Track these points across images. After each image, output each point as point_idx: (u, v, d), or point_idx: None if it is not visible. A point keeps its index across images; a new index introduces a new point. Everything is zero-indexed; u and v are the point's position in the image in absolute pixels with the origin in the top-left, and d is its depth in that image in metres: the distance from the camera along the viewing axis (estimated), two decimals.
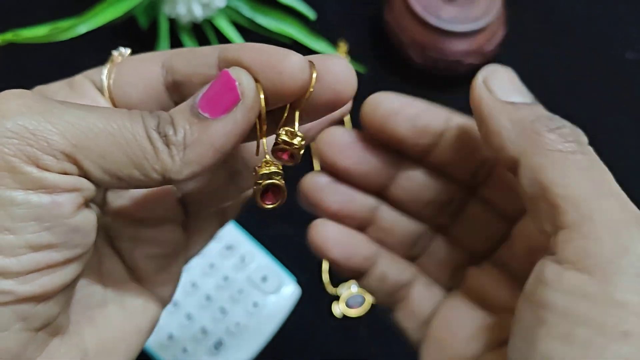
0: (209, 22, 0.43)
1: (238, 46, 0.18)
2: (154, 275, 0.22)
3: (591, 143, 0.46)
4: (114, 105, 0.19)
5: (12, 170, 0.16)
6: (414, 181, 0.23)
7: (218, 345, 0.34)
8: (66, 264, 0.17)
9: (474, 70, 0.42)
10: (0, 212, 0.16)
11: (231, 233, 0.37)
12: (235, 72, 0.16)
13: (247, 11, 0.43)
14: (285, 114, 0.18)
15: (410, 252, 0.24)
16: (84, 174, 0.16)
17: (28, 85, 0.47)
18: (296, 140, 0.18)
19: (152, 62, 0.19)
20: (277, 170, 0.19)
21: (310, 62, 0.17)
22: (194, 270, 0.35)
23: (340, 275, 0.37)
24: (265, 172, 0.19)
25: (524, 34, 0.46)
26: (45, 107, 0.16)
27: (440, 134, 0.23)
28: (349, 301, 0.35)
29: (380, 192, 0.23)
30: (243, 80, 0.16)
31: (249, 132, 0.17)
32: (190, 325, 0.34)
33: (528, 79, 0.47)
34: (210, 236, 0.24)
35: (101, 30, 0.39)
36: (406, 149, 0.22)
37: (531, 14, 0.47)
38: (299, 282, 0.36)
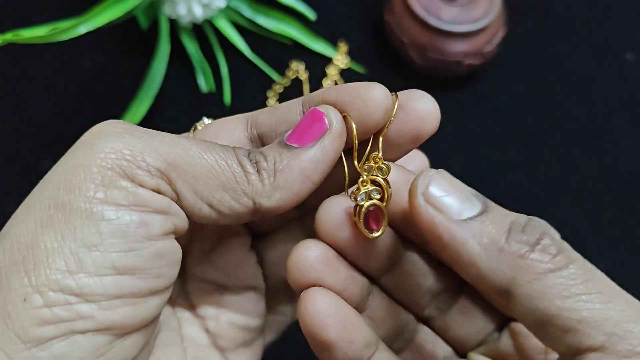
0: (209, 22, 0.43)
1: (321, 91, 0.18)
2: (236, 347, 0.21)
3: (592, 142, 0.46)
4: None
5: (108, 183, 0.16)
6: (414, 266, 0.20)
7: None
8: (149, 295, 0.16)
9: (474, 70, 0.42)
10: (90, 226, 0.15)
11: None
12: (323, 107, 0.17)
13: (248, 12, 0.43)
14: (370, 144, 0.18)
15: (394, 344, 0.21)
16: (177, 196, 0.17)
17: (28, 86, 0.47)
18: (384, 166, 0.18)
19: (237, 121, 0.19)
20: (377, 189, 0.18)
21: (393, 93, 0.18)
22: None
23: None
24: (365, 190, 0.18)
25: (524, 34, 0.46)
26: (142, 131, 0.17)
27: None
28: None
29: (374, 275, 0.20)
30: (330, 111, 0.17)
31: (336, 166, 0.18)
32: None
33: (528, 80, 0.47)
34: (286, 319, 0.23)
35: (101, 30, 0.39)
36: (409, 234, 0.20)
37: (531, 14, 0.47)
38: None
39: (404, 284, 0.20)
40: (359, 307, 0.19)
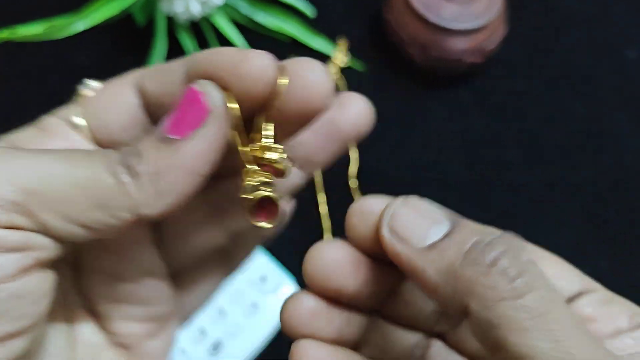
0: (206, 20, 0.42)
1: (203, 55, 0.15)
2: (140, 341, 0.19)
3: (592, 141, 0.46)
4: (96, 140, 0.18)
5: None
6: (412, 293, 0.19)
7: (217, 346, 0.33)
8: (10, 339, 0.14)
9: (474, 68, 0.42)
10: None
11: None
12: (201, 85, 0.15)
13: (246, 9, 0.43)
14: (257, 126, 0.16)
15: None
16: (42, 227, 0.14)
17: (25, 83, 0.46)
18: (275, 155, 0.15)
19: (125, 87, 0.17)
20: (266, 180, 0.16)
21: (281, 66, 0.15)
22: None
23: None
24: (251, 183, 0.16)
25: (525, 32, 0.46)
26: None
27: None
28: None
29: (375, 307, 0.19)
30: (210, 91, 0.15)
31: (228, 151, 0.15)
32: (189, 327, 0.34)
33: (528, 78, 0.47)
34: (210, 289, 0.21)
35: (98, 28, 0.38)
36: None
37: (531, 12, 0.47)
38: (299, 282, 0.36)
39: (406, 311, 0.19)
40: (359, 345, 0.19)
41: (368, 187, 0.40)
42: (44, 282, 0.15)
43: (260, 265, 0.35)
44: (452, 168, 0.40)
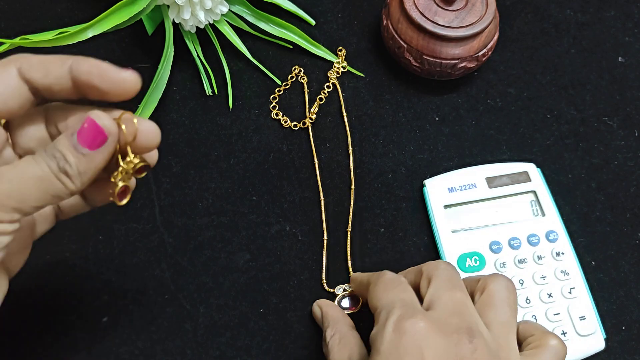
0: (212, 27, 0.44)
1: (84, 64, 0.24)
2: None
3: (583, 143, 0.47)
4: None
5: None
6: None
7: None
8: None
9: (468, 73, 0.43)
10: None
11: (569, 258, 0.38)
12: (100, 120, 0.23)
13: (250, 17, 0.44)
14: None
15: None
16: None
17: None
18: (129, 165, 0.25)
19: (7, 69, 0.24)
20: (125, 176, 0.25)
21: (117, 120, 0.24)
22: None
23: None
24: (117, 178, 0.25)
25: (518, 38, 0.47)
26: None
27: None
28: (344, 301, 0.37)
29: None
30: (107, 124, 0.23)
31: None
32: None
33: (521, 83, 0.48)
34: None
35: (108, 35, 0.39)
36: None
37: (524, 18, 0.48)
38: (299, 279, 0.38)
39: None
40: None
41: (365, 188, 0.41)
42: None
43: (584, 304, 0.37)
44: (447, 170, 0.41)
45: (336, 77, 0.44)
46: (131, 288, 0.37)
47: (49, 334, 0.35)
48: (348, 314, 0.36)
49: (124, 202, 0.25)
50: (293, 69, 0.45)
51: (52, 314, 0.36)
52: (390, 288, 0.29)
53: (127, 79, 0.24)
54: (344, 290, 0.37)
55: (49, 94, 0.24)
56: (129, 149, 0.24)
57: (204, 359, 0.35)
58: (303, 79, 0.44)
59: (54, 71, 0.24)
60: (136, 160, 0.25)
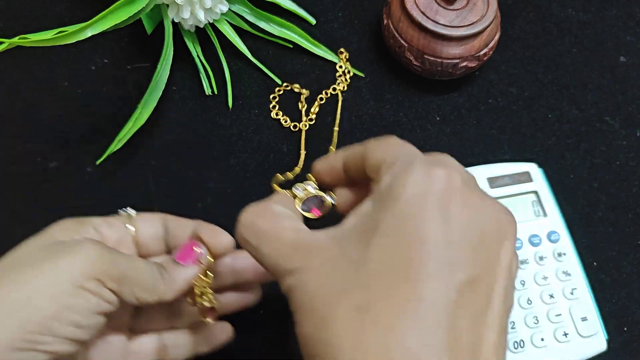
0: (212, 26, 0.43)
1: (209, 231, 0.30)
2: None
3: (584, 143, 0.47)
4: (135, 242, 0.30)
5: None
6: None
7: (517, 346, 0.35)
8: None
9: (470, 73, 0.43)
10: None
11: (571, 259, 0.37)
12: (196, 245, 0.29)
13: (250, 16, 0.44)
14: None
15: None
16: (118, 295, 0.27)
17: (34, 88, 0.47)
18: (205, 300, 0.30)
19: (157, 221, 0.31)
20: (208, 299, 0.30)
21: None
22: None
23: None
24: (201, 299, 0.30)
25: (519, 38, 0.47)
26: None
27: None
28: (306, 204, 0.29)
29: None
30: (201, 250, 0.29)
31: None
32: None
33: (522, 82, 0.48)
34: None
35: (107, 34, 0.39)
36: None
37: (525, 18, 0.48)
38: None
39: None
40: None
41: None
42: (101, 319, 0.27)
43: (585, 305, 0.36)
44: None
45: (344, 87, 0.44)
46: None
47: None
48: (309, 219, 0.29)
49: (210, 320, 0.30)
50: (294, 86, 0.44)
51: None
52: (403, 143, 0.25)
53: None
54: (305, 189, 0.29)
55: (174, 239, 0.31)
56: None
57: None
58: (304, 92, 0.44)
59: (183, 228, 0.31)
60: (207, 291, 0.30)
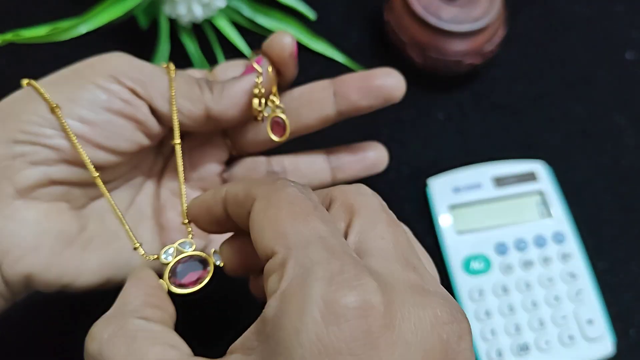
0: (209, 22, 0.43)
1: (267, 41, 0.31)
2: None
3: (591, 142, 0.46)
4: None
5: None
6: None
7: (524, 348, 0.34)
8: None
9: (474, 69, 0.42)
10: None
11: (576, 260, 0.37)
12: (261, 59, 0.30)
13: (248, 11, 0.43)
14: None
15: None
16: (152, 105, 0.26)
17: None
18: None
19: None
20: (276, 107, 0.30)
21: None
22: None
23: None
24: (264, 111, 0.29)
25: (524, 34, 0.46)
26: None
27: None
28: (179, 273, 0.22)
29: None
30: (264, 62, 0.30)
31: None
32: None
33: (527, 79, 0.47)
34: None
35: (101, 30, 0.39)
36: None
37: (531, 13, 0.47)
38: None
39: None
40: None
41: (369, 186, 0.40)
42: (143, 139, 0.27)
43: (591, 307, 0.36)
44: (452, 167, 0.40)
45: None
46: None
47: None
48: (183, 295, 0.21)
49: (278, 138, 0.29)
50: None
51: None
52: (300, 214, 0.17)
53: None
54: (177, 250, 0.22)
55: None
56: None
57: None
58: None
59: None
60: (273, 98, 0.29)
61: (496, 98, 0.44)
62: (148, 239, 0.28)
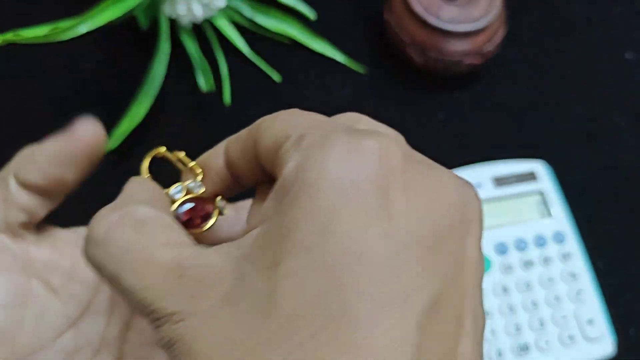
0: (209, 22, 0.43)
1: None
2: None
3: (591, 142, 0.46)
4: None
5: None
6: None
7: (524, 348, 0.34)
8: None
9: (474, 70, 0.42)
10: None
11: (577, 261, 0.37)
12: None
13: (248, 11, 0.43)
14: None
15: None
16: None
17: (28, 86, 0.47)
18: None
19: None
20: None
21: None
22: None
23: None
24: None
25: (524, 34, 0.46)
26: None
27: None
28: (183, 210, 0.21)
29: None
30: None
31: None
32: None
33: (527, 79, 0.47)
34: None
35: (101, 30, 0.39)
36: None
37: (531, 14, 0.47)
38: None
39: None
40: None
41: None
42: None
43: (592, 307, 0.36)
44: (451, 168, 0.40)
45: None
46: None
47: None
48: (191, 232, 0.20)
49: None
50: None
51: None
52: (309, 113, 0.18)
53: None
54: (186, 188, 0.21)
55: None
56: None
57: None
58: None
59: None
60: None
61: (496, 98, 0.44)
62: None
